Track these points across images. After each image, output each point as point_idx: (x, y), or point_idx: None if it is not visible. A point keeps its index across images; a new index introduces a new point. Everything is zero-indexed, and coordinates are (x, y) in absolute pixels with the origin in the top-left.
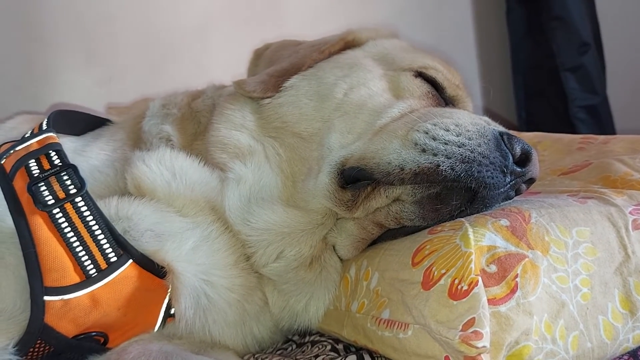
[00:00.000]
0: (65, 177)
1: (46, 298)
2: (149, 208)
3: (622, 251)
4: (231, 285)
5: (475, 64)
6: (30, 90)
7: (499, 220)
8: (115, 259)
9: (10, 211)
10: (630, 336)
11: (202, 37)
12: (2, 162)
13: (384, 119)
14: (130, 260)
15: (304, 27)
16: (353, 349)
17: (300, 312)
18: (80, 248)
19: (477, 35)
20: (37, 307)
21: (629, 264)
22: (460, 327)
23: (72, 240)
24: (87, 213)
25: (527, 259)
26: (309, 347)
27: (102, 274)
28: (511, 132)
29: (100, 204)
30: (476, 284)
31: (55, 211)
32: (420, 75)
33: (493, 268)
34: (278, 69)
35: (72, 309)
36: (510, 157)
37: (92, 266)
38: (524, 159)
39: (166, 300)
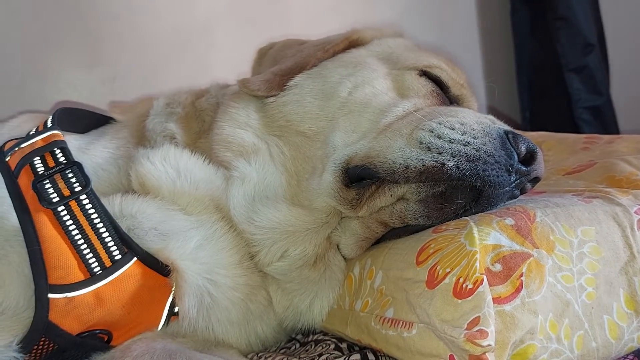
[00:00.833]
0: (70, 175)
1: (50, 296)
2: (153, 206)
3: (627, 251)
4: (235, 284)
5: (480, 64)
6: (34, 88)
7: (504, 219)
8: (119, 256)
9: (15, 209)
10: (635, 336)
11: (206, 36)
12: (7, 159)
13: (389, 117)
14: (135, 258)
15: (308, 26)
16: (357, 348)
17: (304, 311)
18: (85, 246)
19: (481, 36)
20: (42, 305)
21: (634, 264)
22: (465, 325)
23: (76, 237)
24: (92, 211)
25: (532, 258)
26: (313, 346)
27: (106, 271)
28: (516, 131)
29: (105, 202)
30: (481, 283)
31: (60, 209)
32: (424, 74)
33: (498, 267)
34: (282, 67)
35: (77, 307)
36: (516, 156)
37: (96, 264)
38: (529, 158)
39: (170, 299)
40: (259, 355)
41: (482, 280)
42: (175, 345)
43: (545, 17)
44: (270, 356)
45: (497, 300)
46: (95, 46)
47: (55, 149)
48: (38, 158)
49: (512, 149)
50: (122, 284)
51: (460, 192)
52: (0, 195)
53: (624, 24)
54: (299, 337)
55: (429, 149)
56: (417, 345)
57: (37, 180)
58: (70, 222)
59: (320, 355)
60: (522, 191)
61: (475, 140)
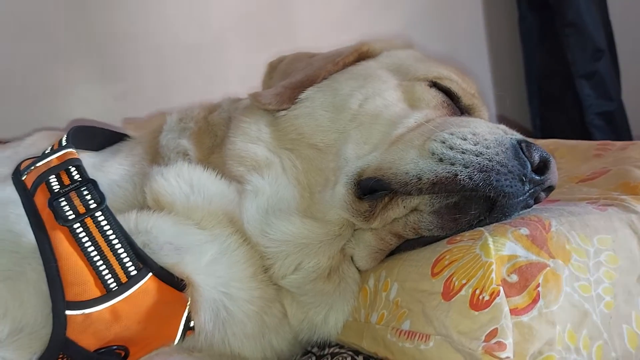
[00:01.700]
0: (85, 192)
1: (68, 312)
2: (167, 221)
3: None
4: (250, 298)
5: (489, 72)
6: (47, 105)
7: (519, 229)
8: (135, 272)
9: (31, 226)
10: None
11: (217, 51)
12: (23, 178)
13: (400, 129)
14: (150, 274)
15: (318, 39)
16: None
17: (320, 323)
18: (101, 262)
19: (489, 44)
20: (59, 322)
21: None
22: (483, 337)
23: (92, 254)
24: (107, 227)
25: (548, 268)
26: (329, 359)
27: (122, 287)
28: (529, 139)
29: (120, 218)
30: (498, 294)
31: (75, 226)
32: (435, 85)
33: (514, 278)
34: (293, 81)
35: (93, 323)
36: (529, 166)
37: (112, 280)
38: (542, 167)
39: (185, 313)
40: None
41: (499, 291)
42: None
43: (553, 23)
44: None
45: (514, 312)
46: (107, 63)
47: (70, 167)
48: (53, 176)
49: (525, 159)
50: (138, 300)
51: (473, 202)
52: (17, 214)
53: (633, 29)
54: (314, 350)
55: (441, 160)
56: (435, 357)
57: (53, 198)
58: (86, 238)
59: None
60: (537, 200)
61: (488, 151)
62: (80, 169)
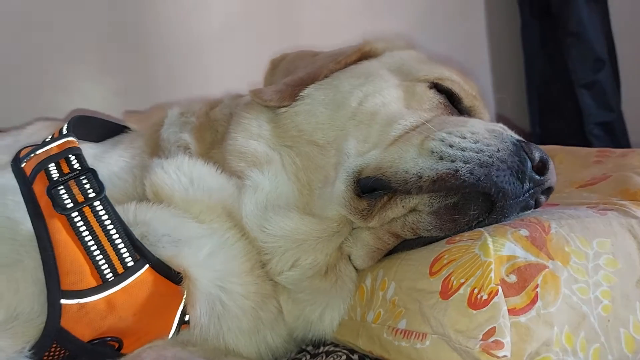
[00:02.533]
0: (84, 181)
1: (63, 301)
2: (166, 214)
3: None
4: (246, 293)
5: (490, 79)
6: (47, 98)
7: (519, 230)
8: (132, 263)
9: (29, 214)
10: None
11: (219, 47)
12: (23, 165)
13: (399, 128)
14: (147, 265)
15: (320, 38)
16: None
17: (315, 321)
18: (98, 252)
19: (491, 51)
20: (54, 311)
21: None
22: (481, 336)
23: (89, 243)
24: (105, 217)
25: (547, 270)
26: (324, 358)
27: (118, 278)
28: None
29: (119, 209)
30: (496, 294)
31: (73, 214)
32: (435, 86)
33: (513, 278)
34: (295, 78)
35: (88, 313)
36: (529, 163)
37: (109, 270)
38: (541, 167)
39: (181, 307)
40: None
41: (497, 291)
42: (186, 353)
43: (555, 32)
44: None
45: (512, 312)
46: (107, 57)
47: (70, 156)
48: (53, 164)
49: (526, 156)
50: (134, 291)
51: (473, 203)
52: (15, 201)
53: (635, 40)
54: (309, 348)
55: (441, 157)
56: (431, 356)
57: (52, 186)
58: (84, 228)
59: None
60: (537, 203)
61: (489, 147)
62: (80, 157)
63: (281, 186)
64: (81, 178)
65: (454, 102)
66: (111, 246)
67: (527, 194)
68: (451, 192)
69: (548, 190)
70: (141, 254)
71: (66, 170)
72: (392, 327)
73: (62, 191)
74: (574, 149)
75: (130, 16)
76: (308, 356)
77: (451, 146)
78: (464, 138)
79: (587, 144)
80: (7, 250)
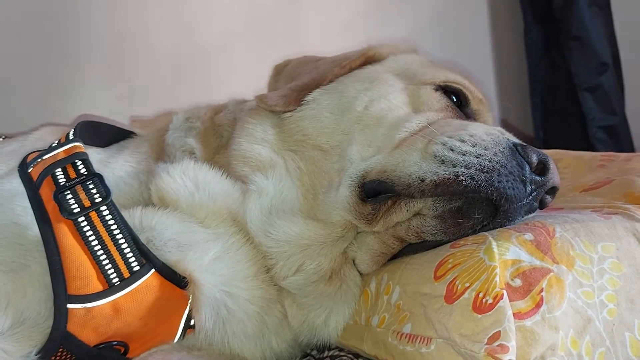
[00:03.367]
0: (91, 186)
1: (69, 306)
2: (172, 218)
3: None
4: (251, 297)
5: (493, 83)
6: (54, 105)
7: (523, 234)
8: (138, 268)
9: (36, 219)
10: None
11: (223, 53)
12: (30, 170)
13: (404, 132)
14: (153, 270)
15: (324, 44)
16: None
17: (320, 326)
18: (104, 257)
19: (494, 55)
20: (61, 315)
21: None
22: (486, 340)
23: (96, 248)
24: (112, 222)
25: (552, 274)
26: None
27: (124, 282)
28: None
29: (125, 214)
30: (501, 298)
31: (80, 219)
32: (440, 89)
33: (518, 282)
34: (299, 83)
35: (94, 318)
36: (527, 166)
37: (115, 275)
38: (542, 168)
39: (186, 311)
40: None
41: (502, 295)
42: (191, 358)
43: (558, 36)
44: None
45: (517, 316)
46: (114, 63)
47: (76, 161)
48: (60, 169)
49: (523, 159)
50: (140, 296)
51: (477, 207)
52: (23, 206)
53: (638, 44)
54: (314, 352)
55: (443, 162)
56: None
57: (59, 191)
58: (90, 232)
59: None
60: (542, 204)
61: (487, 152)
62: (86, 162)
63: (285, 191)
64: (88, 183)
65: (460, 105)
66: (117, 251)
67: (530, 196)
68: (454, 196)
69: (553, 190)
70: (147, 258)
71: (73, 175)
72: (396, 332)
73: (69, 196)
74: (579, 153)
75: (136, 23)
76: None
77: (452, 150)
78: (463, 142)
79: (590, 147)
80: (14, 255)
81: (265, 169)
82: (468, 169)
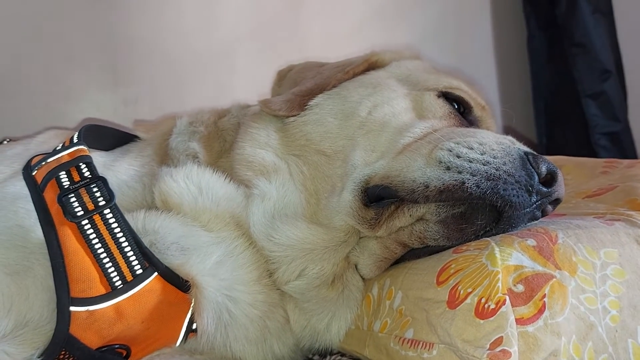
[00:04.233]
0: (94, 189)
1: (72, 309)
2: (175, 222)
3: None
4: (253, 301)
5: (496, 89)
6: (58, 108)
7: (526, 240)
8: (140, 271)
9: (40, 222)
10: None
11: (227, 58)
12: (34, 173)
13: (407, 137)
14: (156, 273)
15: (328, 50)
16: None
17: (322, 331)
18: (107, 260)
19: (497, 62)
20: (63, 318)
21: None
22: (488, 345)
23: (99, 251)
24: (115, 225)
25: (554, 279)
26: None
27: (127, 286)
28: (535, 153)
29: (128, 217)
30: (503, 303)
31: (83, 222)
32: (443, 95)
33: (520, 288)
34: (303, 88)
35: (97, 321)
36: (536, 177)
37: (117, 278)
38: (549, 179)
39: (189, 315)
40: None
41: (505, 300)
42: None
43: (562, 43)
44: None
45: (519, 321)
46: (118, 67)
47: (80, 164)
48: (64, 172)
49: (533, 170)
50: (143, 299)
51: (480, 212)
52: (26, 209)
53: None
54: (315, 357)
55: (448, 168)
56: None
57: (63, 194)
58: (94, 235)
59: None
60: (544, 213)
61: (495, 160)
62: (90, 166)
63: (289, 195)
64: (92, 186)
65: (462, 112)
66: (120, 254)
67: (535, 205)
68: (458, 203)
69: (555, 202)
70: (150, 262)
71: (77, 178)
72: (399, 337)
73: (73, 199)
74: (582, 159)
75: (142, 27)
76: None
77: (458, 157)
78: (471, 149)
79: (593, 154)
80: (17, 258)
81: (269, 174)
82: (474, 175)
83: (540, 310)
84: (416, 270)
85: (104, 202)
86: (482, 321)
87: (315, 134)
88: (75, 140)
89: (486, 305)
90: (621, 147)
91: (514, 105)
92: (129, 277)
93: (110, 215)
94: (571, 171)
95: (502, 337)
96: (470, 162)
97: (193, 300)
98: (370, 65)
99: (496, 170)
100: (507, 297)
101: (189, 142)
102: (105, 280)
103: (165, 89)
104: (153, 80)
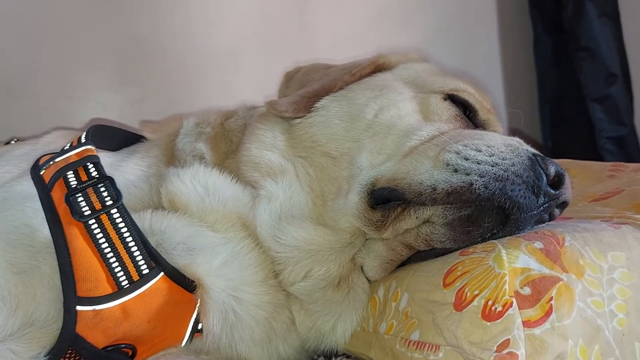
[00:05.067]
0: (102, 189)
1: (79, 308)
2: (182, 222)
3: None
4: (259, 302)
5: (502, 93)
6: (64, 108)
7: (533, 242)
8: (147, 271)
9: (47, 221)
10: None
11: (233, 59)
12: (42, 173)
13: (414, 140)
14: (162, 273)
15: (334, 52)
16: None
17: (328, 332)
18: (114, 259)
19: (504, 65)
20: (70, 317)
21: None
22: (495, 348)
23: (106, 251)
24: (122, 225)
25: (561, 282)
26: None
27: (133, 285)
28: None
29: (135, 217)
30: (510, 305)
31: (91, 222)
32: (450, 98)
33: (527, 290)
34: (309, 90)
35: (103, 320)
36: (544, 178)
37: (124, 277)
38: (557, 181)
39: (194, 315)
40: None
41: (512, 302)
42: None
43: (568, 47)
44: None
45: (526, 324)
46: (124, 68)
47: (88, 164)
48: (71, 172)
49: (542, 171)
50: (149, 299)
51: (487, 215)
52: (34, 208)
53: None
54: (321, 359)
55: (456, 170)
56: None
57: (70, 194)
58: (101, 235)
59: None
60: (551, 217)
61: (504, 162)
62: (98, 166)
63: (295, 196)
64: (99, 186)
65: (469, 115)
66: (127, 254)
67: (542, 207)
68: (465, 205)
69: (563, 205)
70: (156, 261)
71: (84, 178)
72: (404, 339)
73: (80, 199)
74: (588, 163)
75: (148, 28)
76: None
77: (466, 159)
78: (480, 151)
79: (599, 158)
80: (24, 257)
81: (275, 175)
82: (482, 177)
83: (547, 313)
84: (422, 272)
85: (111, 202)
86: (489, 323)
87: (321, 136)
88: (83, 140)
89: (493, 308)
90: (627, 151)
91: (520, 109)
92: (136, 277)
93: (118, 215)
94: (577, 174)
95: (509, 339)
96: (479, 164)
97: (199, 301)
98: (376, 67)
99: (504, 171)
100: (514, 300)
101: (195, 142)
102: (111, 279)
103: (171, 89)
104: (160, 80)
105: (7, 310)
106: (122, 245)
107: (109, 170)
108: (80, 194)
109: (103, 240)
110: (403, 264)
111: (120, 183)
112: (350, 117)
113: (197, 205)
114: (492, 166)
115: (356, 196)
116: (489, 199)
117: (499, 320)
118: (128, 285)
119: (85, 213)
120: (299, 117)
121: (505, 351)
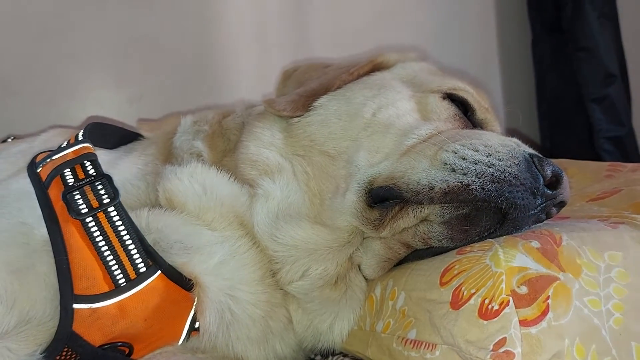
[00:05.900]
0: (99, 187)
1: (75, 306)
2: (179, 220)
3: None
4: (256, 301)
5: (501, 93)
6: (62, 107)
7: (530, 241)
8: (144, 269)
9: (44, 219)
10: None
11: (231, 58)
12: (39, 170)
13: (412, 139)
14: (159, 272)
15: (332, 50)
16: None
17: (325, 331)
18: (111, 257)
19: (502, 65)
20: (66, 315)
21: None
22: (491, 346)
23: (103, 249)
24: (119, 223)
25: (558, 281)
26: None
27: (130, 283)
28: (540, 155)
29: (132, 215)
30: (507, 304)
31: (88, 220)
32: (448, 97)
33: (524, 289)
34: (307, 89)
35: (100, 318)
36: (541, 179)
37: (121, 276)
38: (554, 182)
39: (191, 314)
40: None
41: (508, 301)
42: None
43: (566, 47)
44: None
45: (523, 323)
46: (123, 65)
47: (85, 161)
48: (68, 170)
49: (538, 172)
50: (146, 297)
51: (484, 214)
52: (30, 206)
53: None
54: (318, 358)
55: (453, 170)
56: None
57: (67, 192)
58: (98, 233)
59: None
60: (548, 215)
61: (501, 162)
62: (95, 163)
63: (292, 195)
64: (96, 184)
65: (467, 114)
66: (124, 252)
67: (539, 207)
68: (463, 204)
69: (560, 204)
70: (153, 260)
71: (81, 175)
72: (401, 337)
73: (78, 196)
74: (585, 163)
75: (146, 26)
76: None
77: (464, 159)
78: (477, 151)
79: (597, 158)
80: (21, 255)
81: (273, 173)
82: (479, 178)
83: (544, 312)
84: (419, 271)
85: (108, 200)
86: (485, 322)
87: (319, 135)
88: (80, 138)
89: (490, 307)
90: (625, 152)
91: (518, 109)
92: (133, 275)
93: (115, 213)
94: (575, 174)
95: (505, 338)
96: (476, 164)
97: (196, 299)
98: (375, 66)
99: (501, 172)
100: (511, 299)
101: (193, 141)
102: (108, 278)
103: (169, 87)
104: (157, 78)
105: (3, 309)
106: (119, 244)
107: (106, 168)
108: (77, 192)
109: (100, 238)
110: (400, 262)
111: (117, 181)
112: (348, 116)
113: (194, 204)
114: (489, 167)
115: (354, 195)
116: (486, 200)
117: (495, 319)
118: (125, 283)
119: (83, 211)
120: (297, 116)
121: (502, 350)
